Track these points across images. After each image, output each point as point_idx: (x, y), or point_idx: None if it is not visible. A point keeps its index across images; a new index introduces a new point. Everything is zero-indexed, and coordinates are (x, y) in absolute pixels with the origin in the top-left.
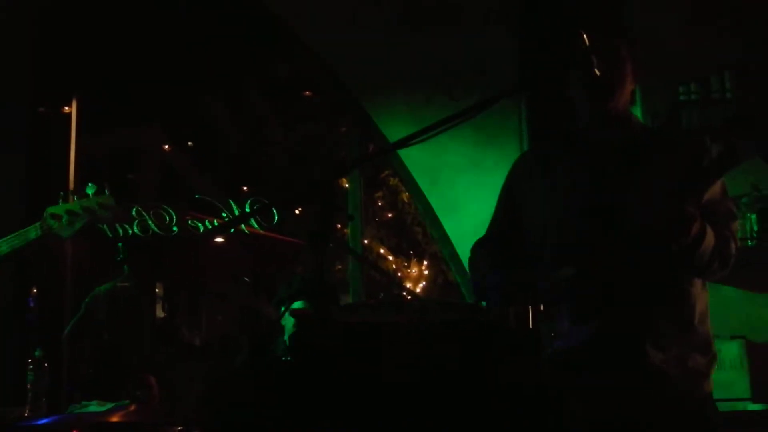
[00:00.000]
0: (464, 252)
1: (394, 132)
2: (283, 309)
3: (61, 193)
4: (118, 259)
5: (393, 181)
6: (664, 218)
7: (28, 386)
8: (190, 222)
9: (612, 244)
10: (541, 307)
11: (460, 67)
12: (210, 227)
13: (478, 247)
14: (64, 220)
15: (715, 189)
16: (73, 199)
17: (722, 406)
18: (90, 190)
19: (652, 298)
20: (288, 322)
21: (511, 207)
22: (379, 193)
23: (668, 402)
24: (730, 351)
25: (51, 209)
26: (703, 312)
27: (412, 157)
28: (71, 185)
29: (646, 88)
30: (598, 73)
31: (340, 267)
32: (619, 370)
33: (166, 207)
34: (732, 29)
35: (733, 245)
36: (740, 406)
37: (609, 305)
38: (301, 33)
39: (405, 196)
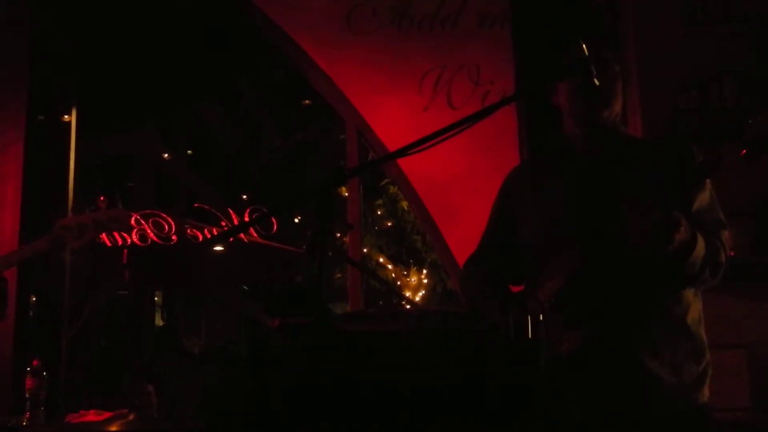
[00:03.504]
0: (464, 260)
1: (392, 140)
2: (279, 317)
3: (72, 206)
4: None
5: (392, 189)
6: (651, 224)
7: (27, 395)
8: (189, 230)
9: (603, 253)
10: (540, 316)
11: (458, 74)
12: (209, 236)
13: (471, 263)
14: (74, 231)
15: (704, 198)
16: (85, 211)
17: (722, 415)
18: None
19: (645, 305)
20: (284, 330)
21: (504, 220)
22: (379, 202)
23: (663, 409)
24: (730, 360)
25: (63, 221)
26: (696, 319)
27: (410, 165)
28: (70, 193)
29: (645, 95)
30: (597, 82)
31: (339, 275)
32: (613, 378)
33: (164, 216)
34: (731, 36)
35: (723, 254)
36: (740, 414)
37: (601, 313)
38: (298, 39)
39: (404, 204)
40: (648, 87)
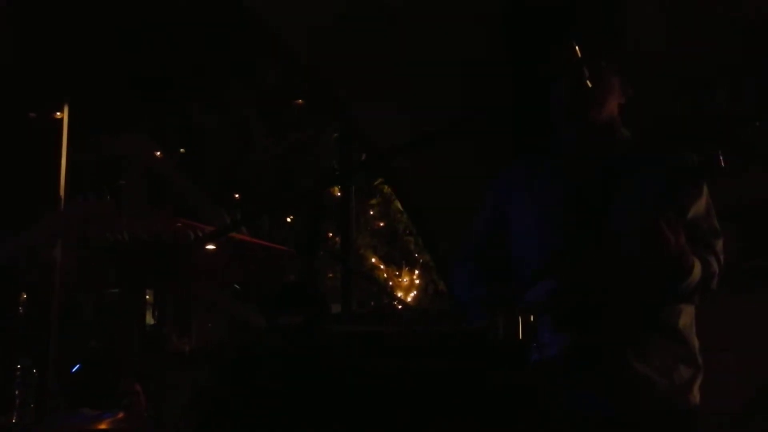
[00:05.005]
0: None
1: (384, 141)
2: (270, 318)
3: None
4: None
5: (387, 189)
6: (638, 232)
7: (16, 393)
8: (180, 229)
9: (594, 255)
10: (531, 318)
11: (452, 75)
12: (200, 234)
13: (458, 262)
14: None
15: (700, 206)
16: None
17: (711, 419)
18: None
19: (635, 308)
20: (276, 331)
21: (494, 218)
22: (372, 202)
23: (651, 411)
24: (719, 363)
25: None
26: (687, 323)
27: (402, 166)
28: (62, 191)
29: (638, 99)
30: (590, 84)
31: (331, 275)
32: (601, 381)
33: (156, 214)
34: (725, 42)
35: (716, 278)
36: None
37: (591, 316)
38: (290, 40)
39: (398, 204)
40: (641, 91)
